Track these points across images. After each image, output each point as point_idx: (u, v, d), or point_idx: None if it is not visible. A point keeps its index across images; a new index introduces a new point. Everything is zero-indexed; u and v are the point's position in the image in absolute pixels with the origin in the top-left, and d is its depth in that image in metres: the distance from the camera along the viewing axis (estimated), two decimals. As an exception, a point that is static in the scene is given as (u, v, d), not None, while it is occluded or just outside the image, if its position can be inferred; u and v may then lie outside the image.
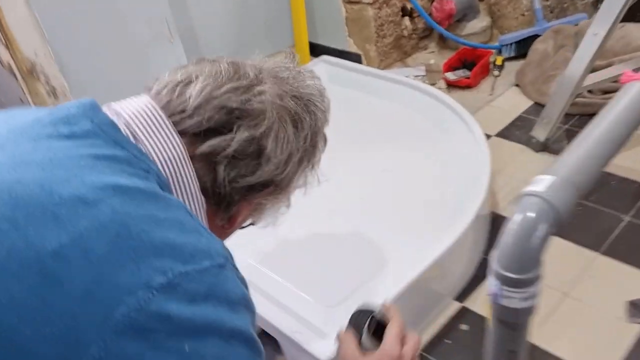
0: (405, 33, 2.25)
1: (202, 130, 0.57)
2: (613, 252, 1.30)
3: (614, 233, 1.35)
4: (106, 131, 0.53)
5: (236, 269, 0.52)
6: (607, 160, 0.54)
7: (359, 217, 1.39)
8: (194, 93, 0.58)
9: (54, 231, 0.43)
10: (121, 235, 0.44)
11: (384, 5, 2.12)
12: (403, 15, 2.21)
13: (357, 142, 1.66)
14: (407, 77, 2.06)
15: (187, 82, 0.59)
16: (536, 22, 2.08)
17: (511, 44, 2.08)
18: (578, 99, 1.68)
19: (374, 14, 2.10)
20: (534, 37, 2.02)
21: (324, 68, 1.98)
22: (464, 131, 1.56)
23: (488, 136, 1.73)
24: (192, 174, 0.57)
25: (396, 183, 1.47)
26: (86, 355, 0.40)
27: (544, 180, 0.51)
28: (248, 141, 0.58)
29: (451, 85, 2.02)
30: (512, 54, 2.10)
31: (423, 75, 2.11)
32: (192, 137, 0.57)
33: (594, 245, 1.33)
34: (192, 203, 0.57)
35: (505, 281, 0.50)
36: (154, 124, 0.56)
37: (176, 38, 1.63)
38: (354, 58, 2.18)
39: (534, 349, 1.12)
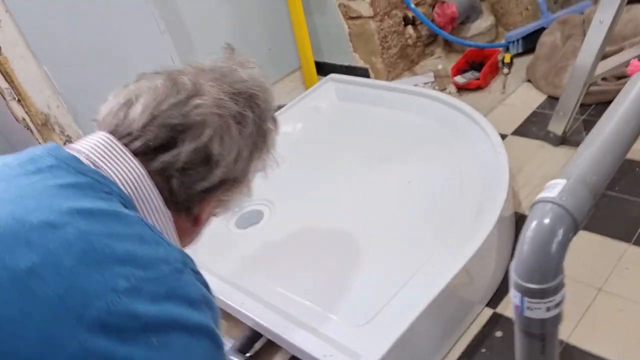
0: (410, 42, 2.25)
1: (150, 149, 0.63)
2: (645, 242, 1.26)
3: (644, 221, 1.31)
4: (69, 163, 0.59)
5: (196, 272, 0.57)
6: (620, 157, 0.52)
7: (382, 231, 1.38)
8: (136, 115, 0.64)
9: (27, 254, 0.49)
10: (86, 250, 0.50)
11: (386, 16, 2.12)
12: (406, 25, 2.21)
13: (375, 157, 1.65)
14: (416, 85, 2.05)
15: (130, 104, 0.65)
16: (541, 15, 2.05)
17: (518, 40, 2.06)
18: (592, 88, 1.65)
19: (377, 27, 2.10)
20: (540, 31, 2.00)
21: (332, 87, 1.99)
22: (479, 134, 1.54)
23: (504, 136, 1.71)
24: (152, 189, 0.63)
25: (418, 193, 1.46)
26: (64, 354, 0.46)
27: (556, 185, 0.50)
28: (194, 152, 0.64)
29: (462, 89, 2.01)
30: (520, 50, 2.07)
31: (432, 82, 2.10)
32: (143, 155, 0.63)
33: (624, 236, 1.29)
34: (157, 216, 0.63)
35: (528, 293, 0.49)
36: (111, 152, 0.62)
37: (183, 73, 1.65)
38: (362, 72, 2.18)
39: (571, 349, 1.09)
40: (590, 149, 0.52)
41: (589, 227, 1.34)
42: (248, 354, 1.27)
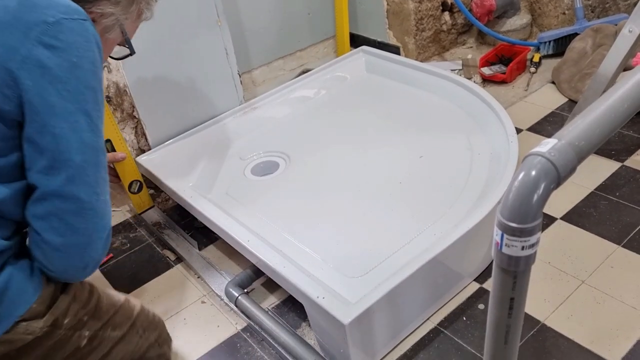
0: (445, 28, 2.29)
1: None
2: (634, 246, 1.33)
3: (637, 228, 1.37)
4: None
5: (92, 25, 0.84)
6: (609, 131, 0.59)
7: (389, 196, 1.45)
8: None
9: None
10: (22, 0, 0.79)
11: (425, -1, 2.17)
12: (443, 10, 2.26)
13: (393, 129, 1.72)
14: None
15: None
16: (576, 21, 2.09)
17: (550, 41, 2.10)
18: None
19: (415, 8, 2.15)
20: (573, 36, 2.04)
21: (363, 58, 2.05)
22: (496, 123, 1.60)
23: (519, 130, 1.77)
24: None
25: (428, 168, 1.53)
26: (19, 54, 0.76)
27: (548, 143, 0.57)
28: None
29: (487, 80, 2.06)
30: (550, 52, 2.12)
31: (460, 70, 2.15)
32: None
33: (615, 239, 1.36)
34: None
35: (508, 230, 0.56)
36: None
37: (224, 22, 1.72)
38: (393, 50, 2.24)
39: (547, 329, 1.17)
40: (585, 118, 0.58)
41: (584, 225, 1.41)
42: (246, 290, 1.36)
